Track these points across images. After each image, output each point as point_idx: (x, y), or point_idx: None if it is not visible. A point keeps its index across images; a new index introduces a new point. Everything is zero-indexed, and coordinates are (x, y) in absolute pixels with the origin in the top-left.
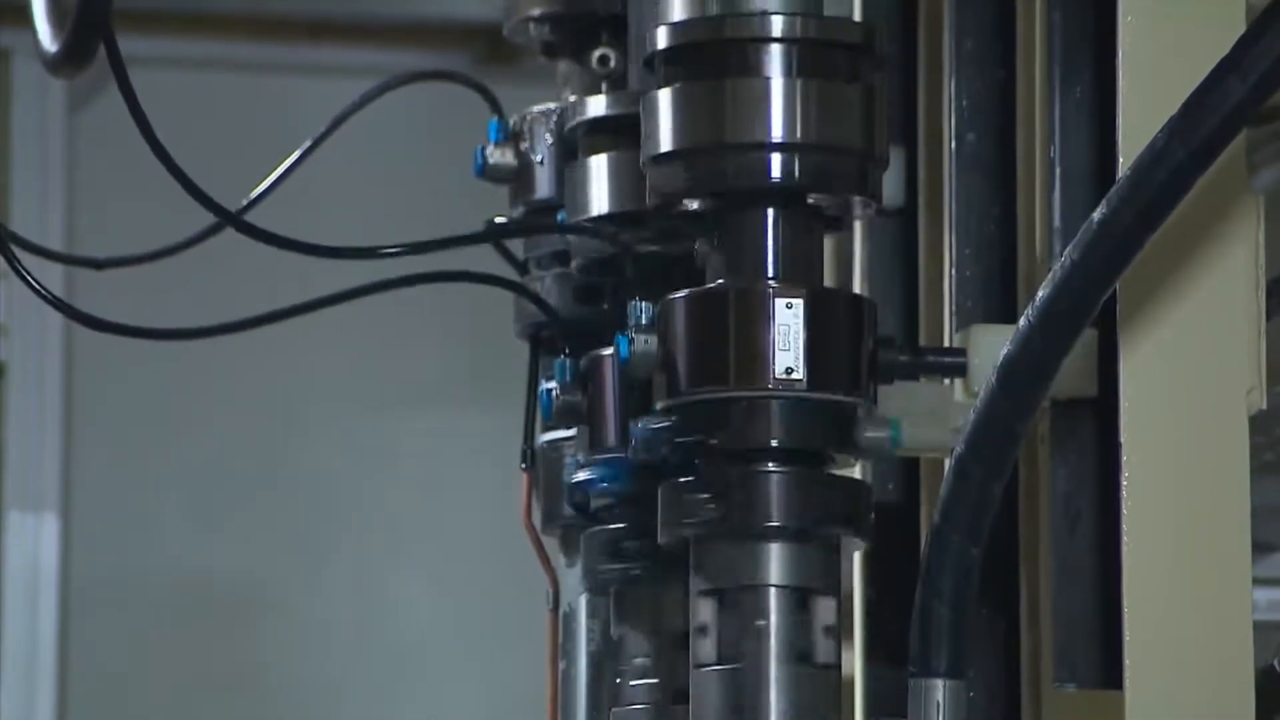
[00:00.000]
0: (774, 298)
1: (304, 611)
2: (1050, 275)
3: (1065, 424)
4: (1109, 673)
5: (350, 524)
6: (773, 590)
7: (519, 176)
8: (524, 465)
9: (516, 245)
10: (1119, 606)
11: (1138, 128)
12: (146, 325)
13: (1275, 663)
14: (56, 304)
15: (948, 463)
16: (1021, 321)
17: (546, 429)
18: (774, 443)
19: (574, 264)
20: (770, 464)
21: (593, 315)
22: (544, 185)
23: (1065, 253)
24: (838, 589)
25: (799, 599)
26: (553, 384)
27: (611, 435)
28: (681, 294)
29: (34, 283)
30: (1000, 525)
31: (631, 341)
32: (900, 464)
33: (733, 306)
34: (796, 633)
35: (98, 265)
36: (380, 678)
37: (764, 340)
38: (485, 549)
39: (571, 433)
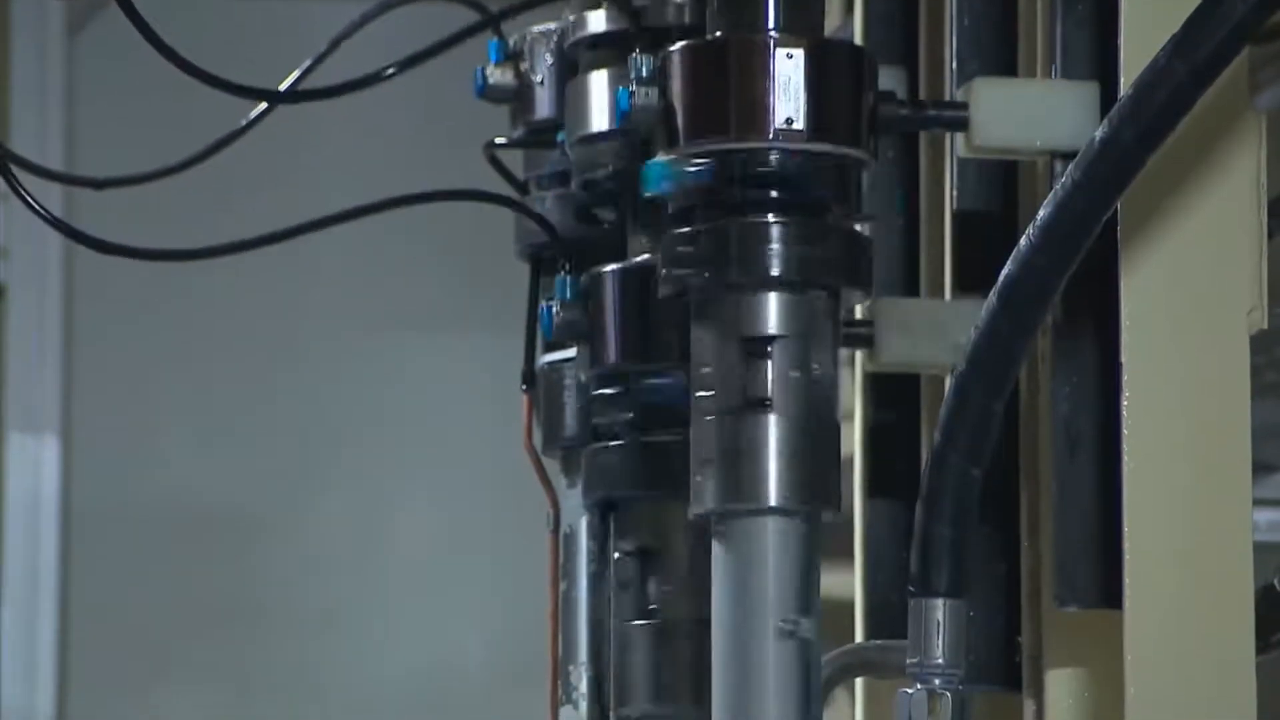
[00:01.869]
0: (774, 48)
1: (305, 534)
2: (1051, 195)
3: (1066, 344)
4: (1109, 593)
5: (351, 446)
6: (775, 342)
7: (519, 96)
8: (524, 387)
9: (516, 165)
10: (1119, 527)
11: (1140, 46)
12: (146, 247)
13: (1275, 582)
14: (55, 224)
15: (948, 382)
16: (1022, 241)
17: (547, 350)
18: (773, 192)
19: (574, 182)
20: (770, 214)
21: (594, 234)
22: (544, 105)
23: (1066, 172)
24: (838, 340)
25: (800, 349)
26: (554, 303)
27: (612, 353)
28: (682, 45)
29: (33, 202)
30: (1000, 445)
31: (632, 94)
32: (900, 385)
33: (733, 56)
34: (796, 383)
35: (97, 185)
36: (381, 599)
37: (764, 90)
38: (486, 471)
39: (572, 353)
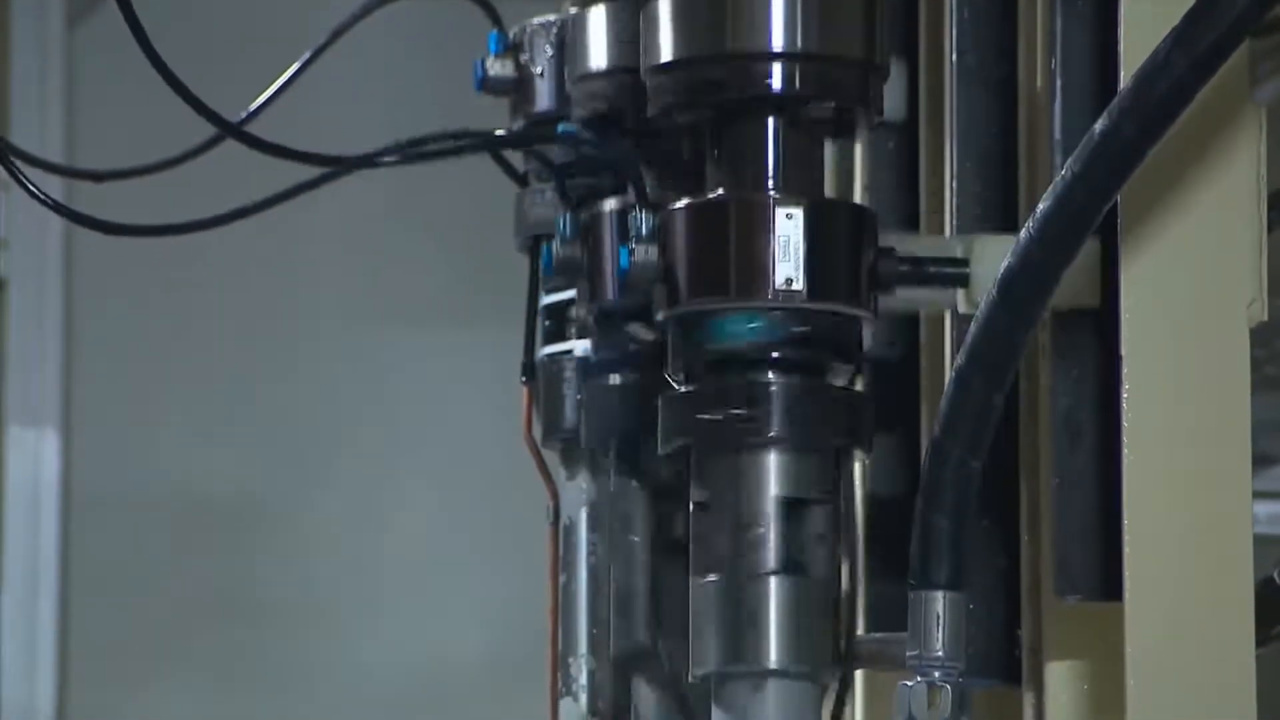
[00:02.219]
0: (774, 208)
1: (305, 526)
2: (1051, 187)
3: (1066, 336)
4: (1109, 584)
5: (351, 439)
6: (771, 500)
7: (519, 89)
8: (524, 379)
9: (516, 158)
10: (1119, 519)
11: (1140, 39)
12: (147, 242)
13: (1276, 574)
14: (58, 208)
15: (948, 372)
16: (1022, 233)
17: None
18: (774, 354)
19: (574, 118)
20: (770, 374)
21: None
22: (544, 97)
23: (1066, 165)
24: (837, 500)
25: (798, 509)
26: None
27: (610, 290)
28: (682, 204)
29: (34, 189)
30: (1000, 438)
31: (632, 252)
32: (900, 373)
33: (733, 217)
34: (793, 543)
35: (97, 178)
36: (381, 591)
37: (764, 251)
38: (485, 463)
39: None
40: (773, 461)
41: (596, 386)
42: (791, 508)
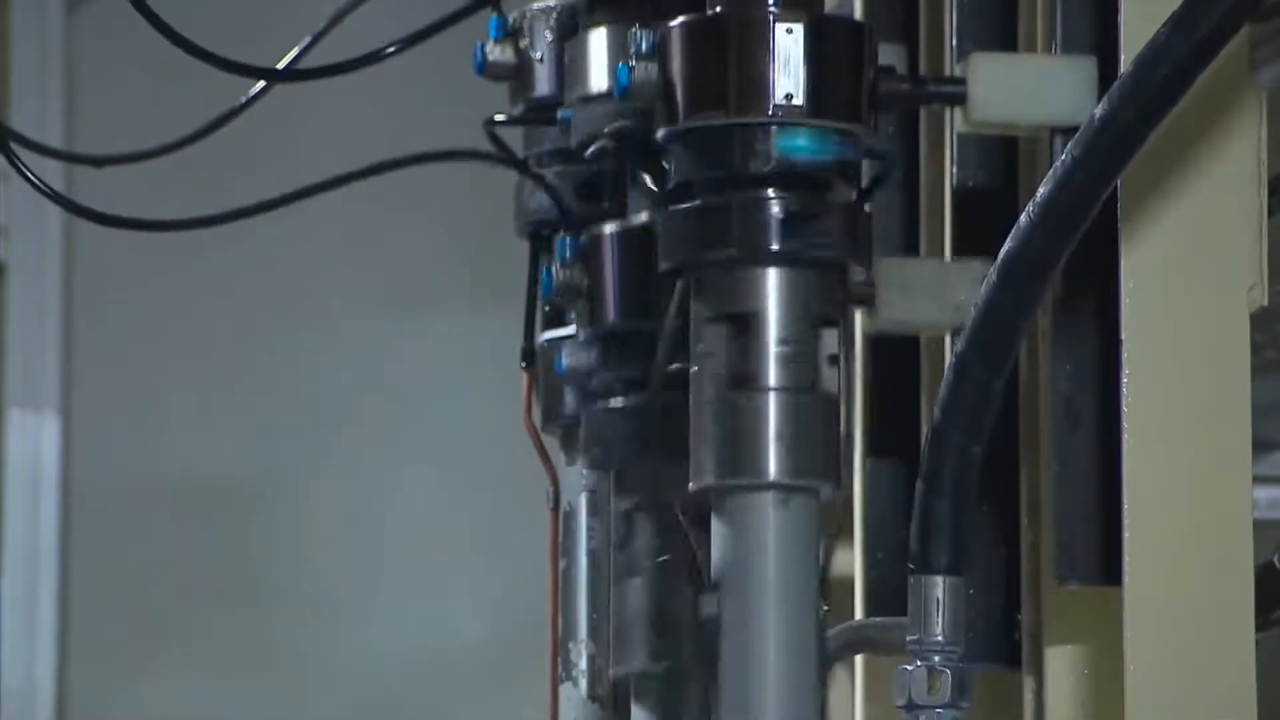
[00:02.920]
0: (774, 22)
1: (305, 511)
2: (1051, 172)
3: (1066, 320)
4: (1109, 569)
5: (351, 424)
6: (773, 317)
7: (519, 74)
8: (524, 364)
9: (517, 144)
10: (1119, 504)
11: (1140, 23)
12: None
13: (1275, 559)
14: (56, 199)
15: (948, 357)
16: (1022, 218)
17: (546, 327)
18: (776, 171)
19: (572, 140)
20: (770, 190)
21: (594, 211)
22: (544, 82)
23: (1066, 149)
24: (841, 317)
25: (804, 325)
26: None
27: (611, 312)
28: (682, 20)
29: (34, 178)
30: (1000, 423)
31: (632, 69)
32: (900, 359)
33: (732, 32)
34: (803, 361)
35: (98, 163)
36: (381, 576)
37: (763, 66)
38: (485, 448)
39: (571, 330)
40: (773, 275)
41: (598, 411)
42: (810, 324)
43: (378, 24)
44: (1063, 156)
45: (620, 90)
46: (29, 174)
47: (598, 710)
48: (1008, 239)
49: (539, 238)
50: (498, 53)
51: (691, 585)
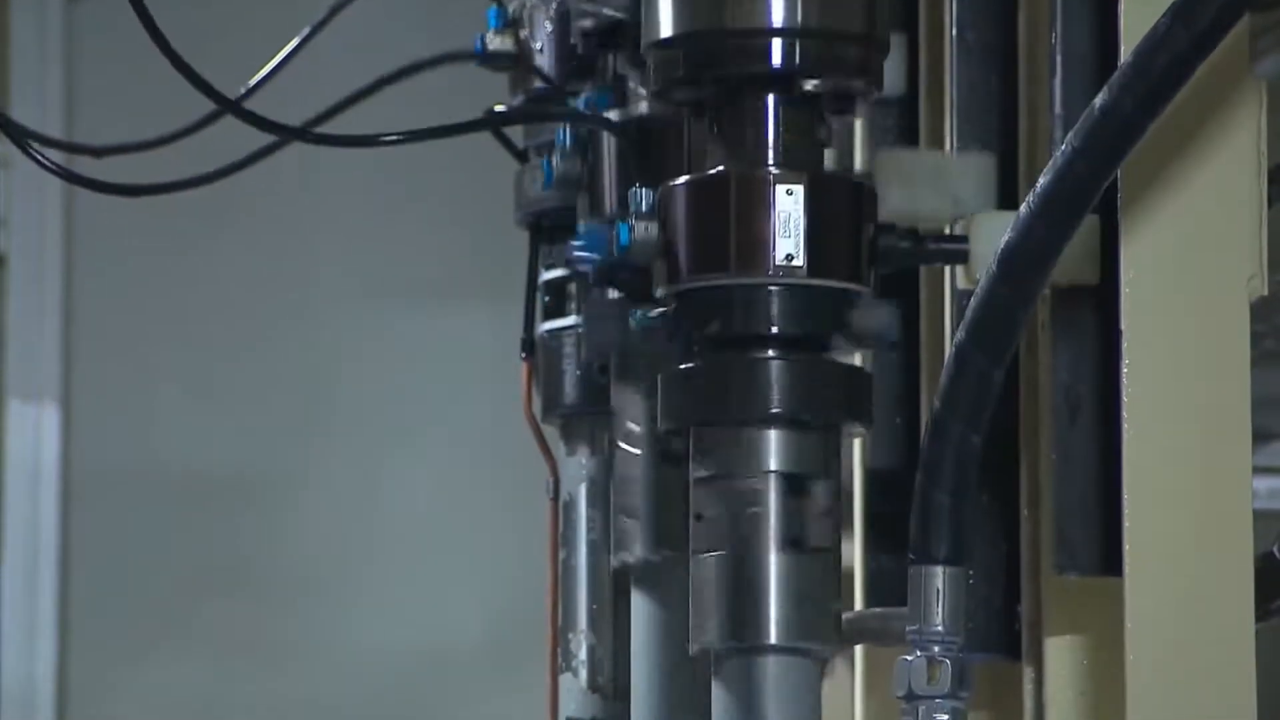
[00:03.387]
0: (774, 184)
1: (305, 502)
2: (1051, 162)
3: (1066, 311)
4: (1109, 560)
5: (351, 414)
6: (772, 477)
7: (518, 64)
8: (524, 355)
9: (516, 134)
10: (1119, 494)
11: (1140, 13)
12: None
13: (1276, 549)
14: (58, 171)
15: (948, 348)
16: (1022, 209)
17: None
18: (774, 329)
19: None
20: (770, 351)
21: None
22: (544, 72)
23: (1066, 139)
24: (838, 475)
25: (798, 485)
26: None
27: (610, 203)
28: (683, 180)
29: (36, 154)
30: (1000, 413)
31: (632, 229)
32: (900, 350)
33: (733, 193)
34: (794, 519)
35: (97, 153)
36: (380, 567)
37: (764, 227)
38: (485, 439)
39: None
40: (773, 438)
41: (596, 301)
42: (792, 484)
43: (374, 14)
44: (1063, 147)
45: (621, 250)
46: (31, 151)
47: (598, 700)
48: (1008, 229)
49: (538, 228)
50: (497, 43)
51: None
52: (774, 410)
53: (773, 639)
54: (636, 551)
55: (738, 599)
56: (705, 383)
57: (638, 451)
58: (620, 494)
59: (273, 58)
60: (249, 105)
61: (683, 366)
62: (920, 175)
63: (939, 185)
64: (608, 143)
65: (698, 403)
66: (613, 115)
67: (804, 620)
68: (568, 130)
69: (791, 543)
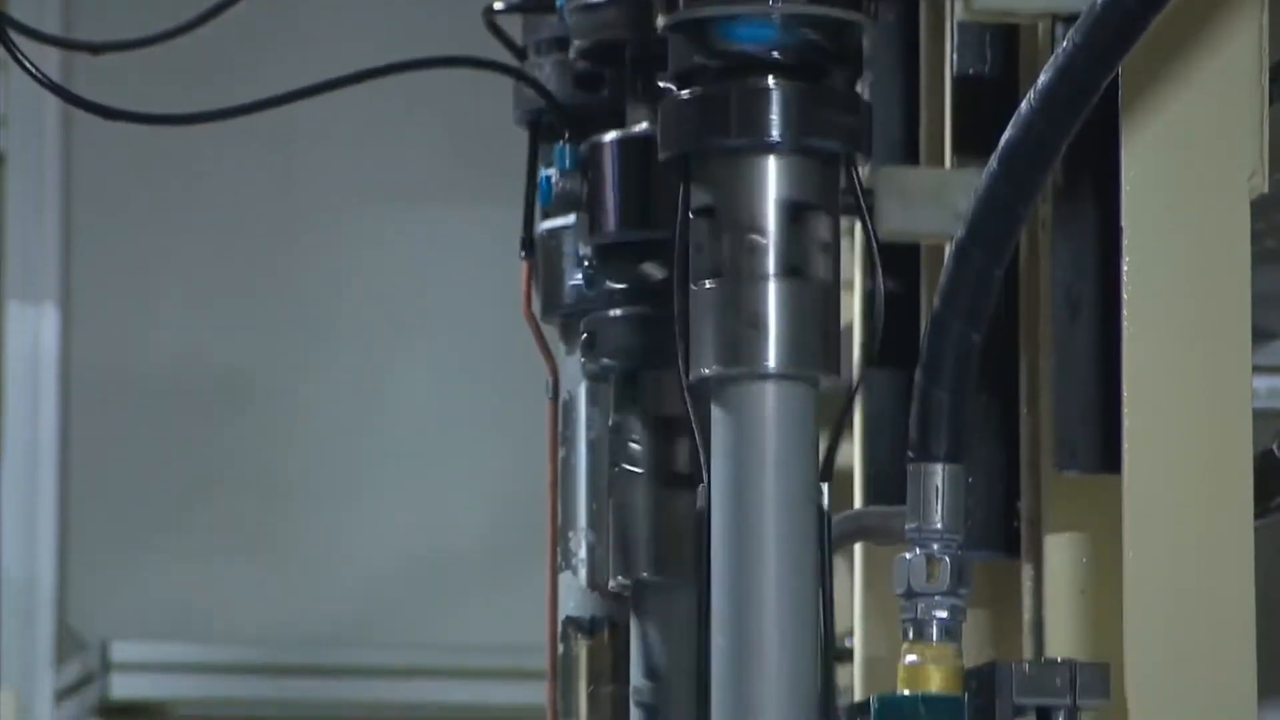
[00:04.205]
0: None
1: (304, 401)
2: (1052, 59)
3: (1067, 209)
4: (1109, 458)
5: (350, 315)
6: (772, 204)
7: None
8: (523, 254)
9: (516, 31)
10: (1119, 392)
11: None
12: (145, 112)
13: (1275, 447)
14: (54, 88)
15: (948, 249)
16: (1023, 105)
17: (545, 217)
18: (775, 55)
19: (574, 48)
20: (770, 77)
21: (592, 102)
22: None
23: (1067, 36)
24: (837, 214)
25: (798, 214)
26: (552, 170)
27: (611, 221)
28: None
29: (30, 67)
30: (1000, 312)
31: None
32: (900, 254)
33: None
34: (794, 247)
35: (94, 49)
36: (380, 468)
37: None
38: (485, 339)
39: (570, 220)
40: (773, 165)
41: (600, 319)
42: (793, 211)
43: None
44: (1063, 43)
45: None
46: (25, 62)
47: (597, 599)
48: (1009, 126)
49: (538, 126)
50: None
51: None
52: (774, 136)
53: (771, 366)
54: (637, 573)
55: (737, 325)
56: (705, 109)
57: (639, 470)
58: (621, 515)
59: None
60: (248, 6)
61: (684, 94)
62: (919, 192)
63: (939, 202)
64: (609, 159)
65: (698, 129)
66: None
67: (803, 347)
68: (566, 148)
69: (791, 270)
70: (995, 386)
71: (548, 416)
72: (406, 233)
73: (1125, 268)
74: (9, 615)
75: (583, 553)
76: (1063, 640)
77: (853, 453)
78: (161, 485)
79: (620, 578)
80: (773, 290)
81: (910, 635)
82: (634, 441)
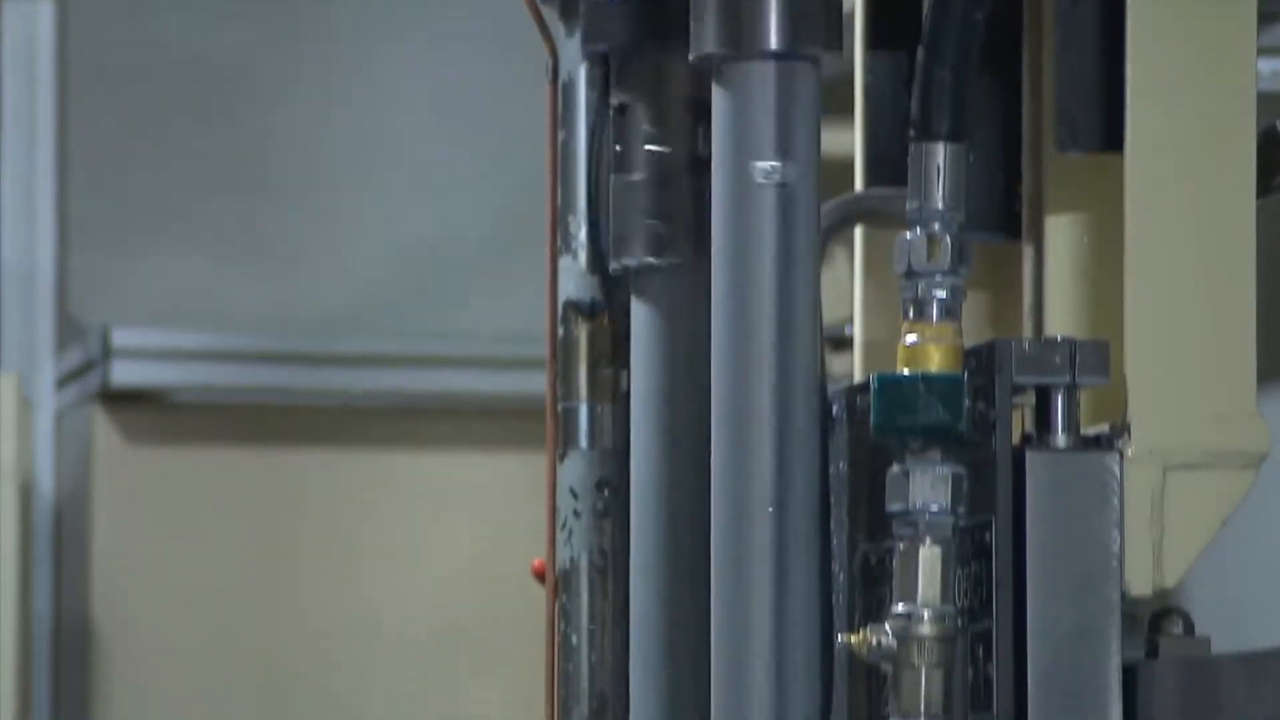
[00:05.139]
0: None
1: (303, 95)
2: None
3: None
4: (1110, 136)
5: (348, 4)
6: None
7: None
8: None
9: None
10: (1122, 70)
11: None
12: None
13: (1278, 124)
14: None
15: None
16: None
17: None
18: None
19: None
20: None
21: None
22: None
23: None
24: None
25: None
26: None
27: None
28: None
29: None
30: None
31: None
32: None
33: None
34: None
35: None
36: (379, 159)
37: None
38: (483, 21)
39: None
40: None
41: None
42: None
43: None
44: None
45: None
46: None
47: (597, 282)
48: None
49: None
50: None
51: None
52: None
53: (773, 44)
54: (637, 254)
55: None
56: None
57: (641, 151)
58: (625, 196)
59: None
60: None
61: None
62: None
63: None
64: None
65: None
66: None
67: (805, 20)
68: None
69: None
70: (998, 68)
71: (547, 99)
72: None
73: None
74: (9, 302)
75: (582, 236)
76: (1063, 322)
77: (854, 135)
78: (160, 180)
79: (621, 260)
80: None
81: (910, 314)
82: (635, 123)
